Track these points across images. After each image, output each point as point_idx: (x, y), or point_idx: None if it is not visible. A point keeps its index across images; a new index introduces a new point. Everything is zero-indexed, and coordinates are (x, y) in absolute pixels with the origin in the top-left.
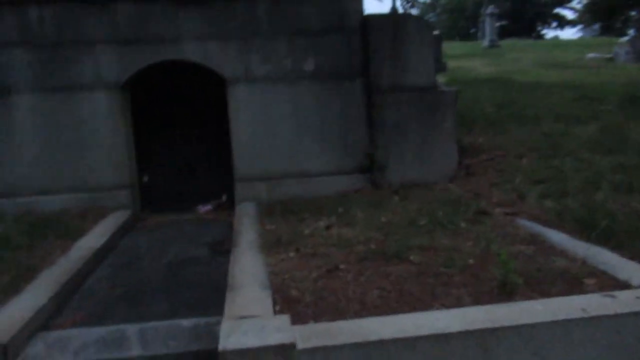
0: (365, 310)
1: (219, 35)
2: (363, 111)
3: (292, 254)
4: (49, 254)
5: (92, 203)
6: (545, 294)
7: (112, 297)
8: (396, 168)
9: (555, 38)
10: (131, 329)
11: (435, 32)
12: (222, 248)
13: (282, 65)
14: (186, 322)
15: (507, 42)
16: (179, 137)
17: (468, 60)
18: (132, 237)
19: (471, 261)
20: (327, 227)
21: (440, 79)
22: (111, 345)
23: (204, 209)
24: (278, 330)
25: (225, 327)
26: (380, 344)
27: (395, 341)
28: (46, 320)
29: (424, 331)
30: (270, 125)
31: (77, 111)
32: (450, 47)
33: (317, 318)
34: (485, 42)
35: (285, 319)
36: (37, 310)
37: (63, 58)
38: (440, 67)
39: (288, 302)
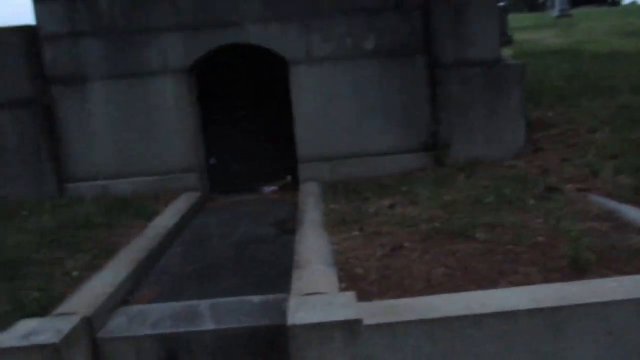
0: (431, 288)
1: (280, 17)
2: (426, 88)
3: (356, 233)
4: (126, 234)
5: (163, 185)
6: (620, 272)
7: (185, 274)
8: (461, 145)
9: (634, 4)
10: (204, 305)
11: (501, 4)
12: (287, 227)
13: (343, 45)
14: (255, 299)
15: (579, 11)
16: (244, 120)
17: (536, 32)
18: (202, 217)
19: (540, 239)
20: (391, 206)
21: (507, 52)
22: (186, 319)
23: (269, 189)
24: (344, 306)
25: (293, 303)
26: (446, 321)
27: (461, 318)
28: (126, 295)
29: (491, 309)
30: (332, 105)
31: (146, 97)
32: (517, 19)
33: (382, 296)
34: (555, 12)
35: (351, 295)
36: (117, 286)
37: (132, 46)
38: (507, 40)
39: (353, 280)
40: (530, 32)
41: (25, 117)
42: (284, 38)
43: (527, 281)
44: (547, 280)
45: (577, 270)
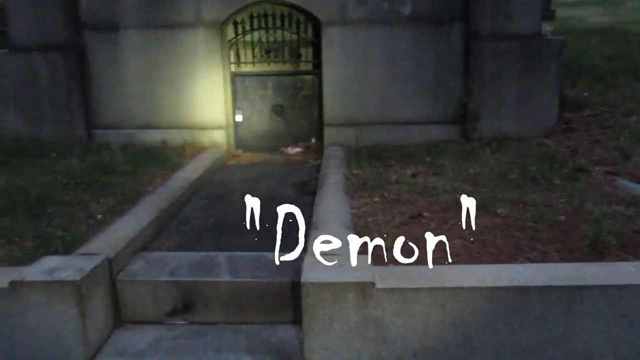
0: (446, 258)
1: None
2: (460, 58)
3: (376, 199)
4: (150, 183)
5: (189, 138)
6: None
7: (205, 226)
8: (490, 119)
9: None
10: (221, 257)
11: None
12: (308, 189)
13: (379, 8)
14: (271, 255)
15: None
16: (272, 79)
17: (581, 9)
18: (225, 172)
19: (562, 218)
20: (414, 175)
21: (547, 28)
22: (203, 269)
23: (293, 150)
24: (358, 268)
25: (308, 261)
26: (458, 290)
27: (473, 289)
28: (146, 241)
29: (504, 282)
30: (363, 69)
31: (177, 49)
32: None
33: (396, 262)
34: None
35: (365, 259)
36: (138, 232)
37: None
38: (549, 15)
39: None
40: (575, 8)
41: (58, 60)
42: None
43: (544, 259)
44: (564, 259)
45: (596, 252)
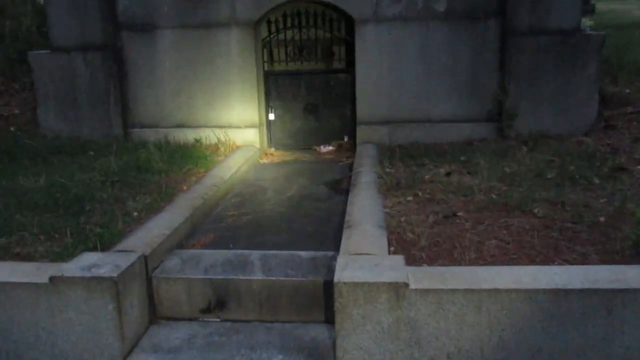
0: (482, 259)
1: None
2: (496, 55)
3: (409, 198)
4: (185, 181)
5: (223, 137)
6: None
7: (239, 224)
8: (527, 117)
9: None
10: (255, 255)
11: None
12: (341, 187)
13: (413, 5)
14: (304, 254)
15: None
16: (305, 78)
17: (623, 2)
18: (258, 171)
19: (602, 219)
20: (448, 174)
21: (587, 22)
22: (237, 267)
23: (325, 148)
24: (392, 268)
25: (341, 261)
26: (494, 292)
27: (510, 291)
28: (181, 238)
29: (542, 285)
30: (397, 67)
31: (212, 48)
32: None
33: (431, 262)
34: None
35: (399, 259)
36: (174, 229)
37: None
38: (589, 9)
39: (403, 243)
40: (616, 2)
41: (97, 61)
42: None
43: (583, 260)
44: (604, 261)
45: (639, 255)
